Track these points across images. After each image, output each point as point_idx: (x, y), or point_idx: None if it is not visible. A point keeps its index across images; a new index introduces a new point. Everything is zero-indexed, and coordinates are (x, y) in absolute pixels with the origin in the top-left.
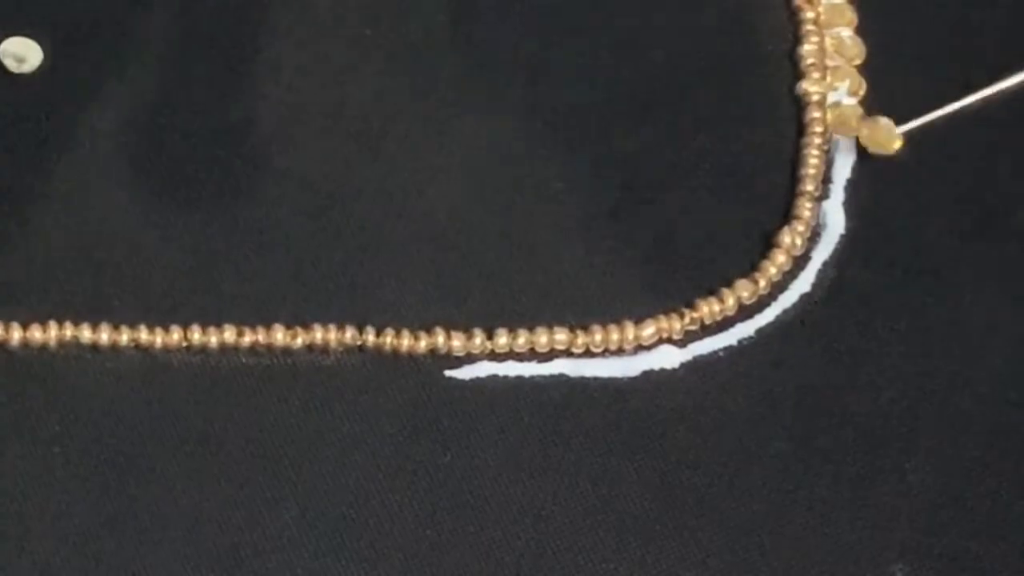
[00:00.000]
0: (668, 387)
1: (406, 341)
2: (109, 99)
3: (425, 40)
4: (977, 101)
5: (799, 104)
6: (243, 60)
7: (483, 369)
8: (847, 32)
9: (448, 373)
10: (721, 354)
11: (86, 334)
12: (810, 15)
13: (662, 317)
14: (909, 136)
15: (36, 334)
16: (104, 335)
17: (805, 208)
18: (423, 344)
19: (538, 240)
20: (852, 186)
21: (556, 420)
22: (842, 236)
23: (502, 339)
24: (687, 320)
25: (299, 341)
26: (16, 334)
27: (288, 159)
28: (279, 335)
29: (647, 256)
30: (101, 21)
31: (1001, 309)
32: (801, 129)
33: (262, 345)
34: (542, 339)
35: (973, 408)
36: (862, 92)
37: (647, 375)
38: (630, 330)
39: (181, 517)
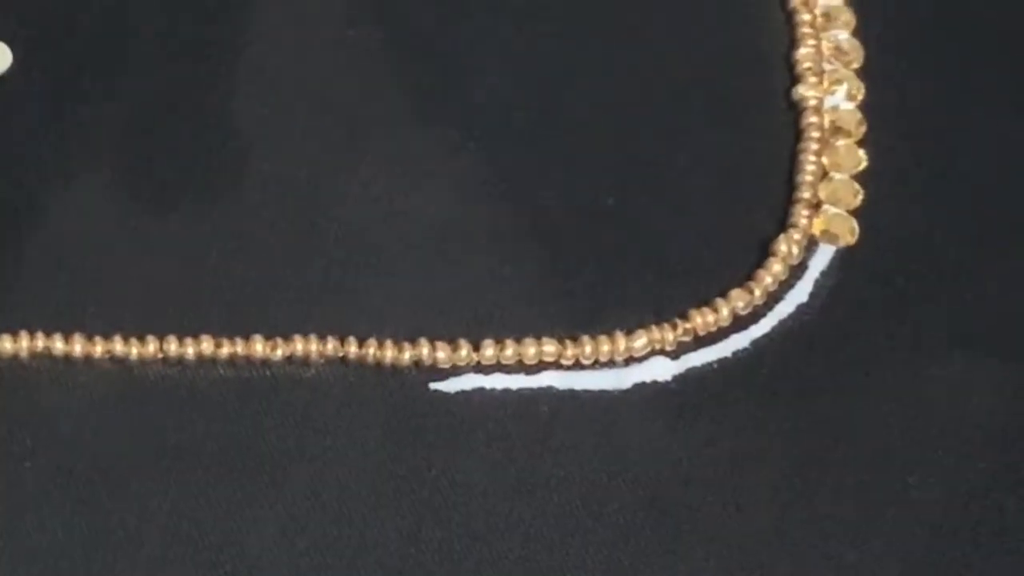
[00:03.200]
0: (660, 400)
1: (389, 352)
2: (84, 102)
3: (409, 41)
4: None
5: (795, 109)
6: (223, 62)
7: (469, 381)
8: (845, 35)
9: (433, 386)
10: (715, 366)
11: (59, 345)
12: (807, 17)
13: (654, 328)
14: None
15: (7, 345)
16: (78, 346)
17: (802, 215)
18: (407, 356)
19: (526, 248)
20: None
21: (544, 434)
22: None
23: (489, 350)
24: (680, 331)
25: (279, 353)
26: None
27: (269, 164)
28: (258, 346)
29: (639, 265)
30: (78, 22)
31: (1005, 318)
32: (797, 134)
33: (241, 357)
34: (530, 350)
35: (977, 421)
36: (860, 96)
37: (638, 388)
38: (621, 341)
39: (157, 534)
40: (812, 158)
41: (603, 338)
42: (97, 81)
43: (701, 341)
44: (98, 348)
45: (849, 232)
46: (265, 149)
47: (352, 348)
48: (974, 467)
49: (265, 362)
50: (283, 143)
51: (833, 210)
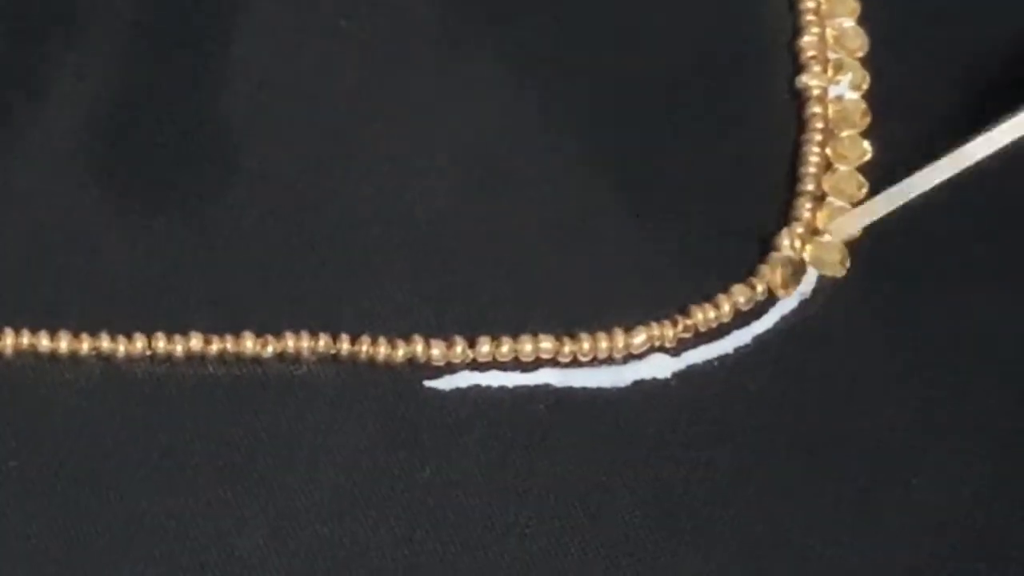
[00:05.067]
0: (660, 398)
1: (383, 350)
2: (69, 94)
3: (405, 33)
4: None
5: (799, 99)
6: (211, 53)
7: (464, 379)
8: (849, 22)
9: (427, 383)
10: (716, 363)
11: (44, 342)
12: (810, 4)
13: (654, 324)
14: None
15: None
16: (63, 343)
17: (805, 209)
18: (401, 353)
19: (523, 243)
20: None
21: (541, 433)
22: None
23: (484, 347)
24: (680, 327)
25: (270, 350)
26: None
27: (259, 158)
28: (249, 344)
29: (638, 259)
30: (60, 11)
31: (1010, 317)
32: (801, 125)
33: (231, 354)
34: (527, 347)
35: (982, 421)
36: (865, 86)
37: (638, 385)
38: (620, 338)
39: (144, 536)
40: (816, 149)
41: (601, 334)
42: (82, 75)
43: (702, 337)
44: (84, 345)
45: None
46: (255, 144)
47: (345, 345)
48: (978, 469)
49: (256, 360)
50: (273, 138)
51: (837, 203)
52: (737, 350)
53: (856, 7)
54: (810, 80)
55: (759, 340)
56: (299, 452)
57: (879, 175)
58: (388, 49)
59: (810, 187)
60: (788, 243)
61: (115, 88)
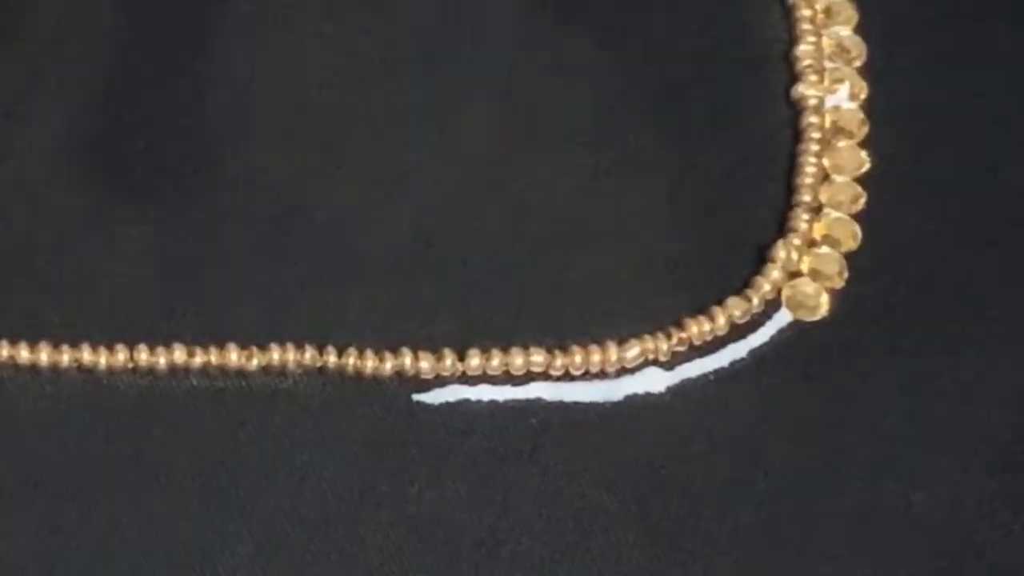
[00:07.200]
0: (653, 413)
1: (370, 362)
2: (50, 97)
3: (393, 36)
4: None
5: (795, 108)
6: (196, 56)
7: (454, 393)
8: (846, 31)
9: (416, 397)
10: (711, 377)
11: (24, 354)
12: (807, 13)
13: (647, 337)
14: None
15: None
16: (43, 355)
17: (801, 220)
18: (389, 366)
19: (514, 254)
20: None
21: (533, 448)
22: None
23: (474, 361)
24: (674, 340)
25: (255, 362)
26: None
27: (244, 164)
28: (233, 356)
29: (631, 271)
30: (41, 12)
31: (1013, 328)
32: (797, 135)
33: (215, 366)
34: (517, 361)
35: (983, 435)
36: (863, 96)
37: (631, 400)
38: (613, 351)
39: (127, 552)
40: (812, 160)
41: (594, 348)
42: (65, 75)
43: (696, 351)
44: (65, 357)
45: (851, 237)
46: (240, 152)
47: (331, 358)
48: (979, 485)
49: (240, 372)
50: (259, 146)
51: (834, 214)
52: (732, 363)
53: (854, 16)
54: (807, 90)
55: (755, 354)
56: (284, 466)
57: (877, 186)
58: (376, 55)
59: (807, 198)
60: (784, 255)
61: (98, 95)
